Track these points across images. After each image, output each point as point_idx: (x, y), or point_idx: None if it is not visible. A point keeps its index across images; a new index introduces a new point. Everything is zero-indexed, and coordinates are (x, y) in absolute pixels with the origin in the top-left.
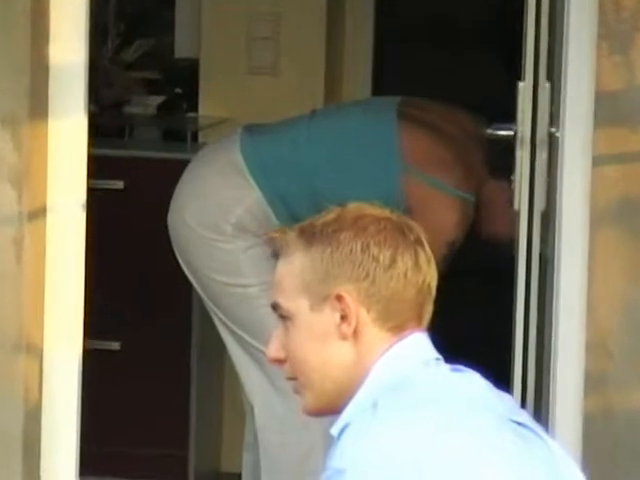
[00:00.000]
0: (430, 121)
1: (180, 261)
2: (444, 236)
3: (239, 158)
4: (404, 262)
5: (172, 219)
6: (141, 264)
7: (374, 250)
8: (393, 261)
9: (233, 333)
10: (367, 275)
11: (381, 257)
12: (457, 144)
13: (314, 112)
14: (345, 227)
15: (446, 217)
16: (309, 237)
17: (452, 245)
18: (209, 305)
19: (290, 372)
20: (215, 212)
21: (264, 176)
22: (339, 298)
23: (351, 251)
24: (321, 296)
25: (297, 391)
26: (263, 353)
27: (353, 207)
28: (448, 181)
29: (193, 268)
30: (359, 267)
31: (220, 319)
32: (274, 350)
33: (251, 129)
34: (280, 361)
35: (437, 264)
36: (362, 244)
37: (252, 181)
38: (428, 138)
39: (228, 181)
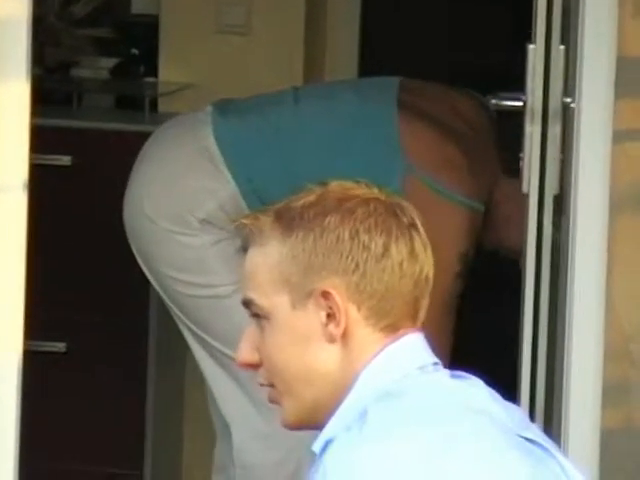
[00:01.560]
0: (435, 114)
1: (137, 258)
2: (453, 248)
3: (211, 144)
4: (399, 250)
5: (128, 208)
6: (90, 253)
7: (364, 237)
8: (386, 250)
9: (201, 340)
10: (357, 267)
11: (372, 245)
12: (465, 141)
13: (297, 90)
14: (329, 210)
15: (453, 227)
16: (287, 222)
17: (465, 257)
18: (172, 308)
19: (265, 378)
20: (180, 203)
21: (241, 167)
22: (325, 294)
23: (338, 238)
24: (304, 292)
25: (274, 400)
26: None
27: (336, 186)
28: (456, 187)
29: (152, 266)
30: (347, 257)
31: (185, 324)
32: (246, 353)
33: (224, 108)
34: (253, 365)
35: (452, 279)
36: (350, 230)
37: (227, 172)
38: (433, 135)
39: (198, 169)
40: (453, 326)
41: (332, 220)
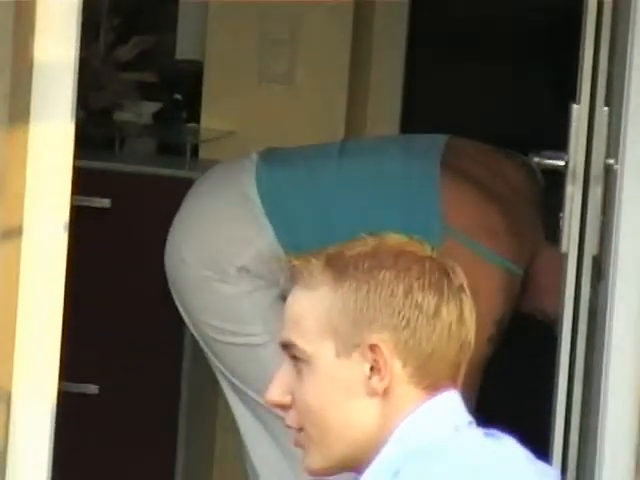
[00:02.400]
0: (478, 176)
1: (177, 303)
2: (490, 314)
3: (254, 192)
4: (449, 312)
5: (169, 255)
6: (126, 295)
7: (417, 295)
8: (438, 310)
9: (236, 388)
10: (408, 324)
11: (425, 304)
12: (508, 206)
13: (344, 144)
14: (385, 264)
15: (492, 292)
16: (340, 270)
17: (500, 322)
18: (207, 354)
19: (295, 421)
20: (219, 250)
21: (280, 217)
22: (373, 348)
23: (392, 294)
24: (351, 342)
25: (301, 444)
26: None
27: (391, 240)
28: (495, 250)
29: (190, 312)
30: (399, 314)
31: (220, 371)
32: (276, 393)
33: (269, 157)
34: (282, 406)
35: (485, 343)
36: (404, 287)
37: (266, 221)
38: (476, 199)
39: (238, 217)
40: (478, 387)
41: (387, 275)
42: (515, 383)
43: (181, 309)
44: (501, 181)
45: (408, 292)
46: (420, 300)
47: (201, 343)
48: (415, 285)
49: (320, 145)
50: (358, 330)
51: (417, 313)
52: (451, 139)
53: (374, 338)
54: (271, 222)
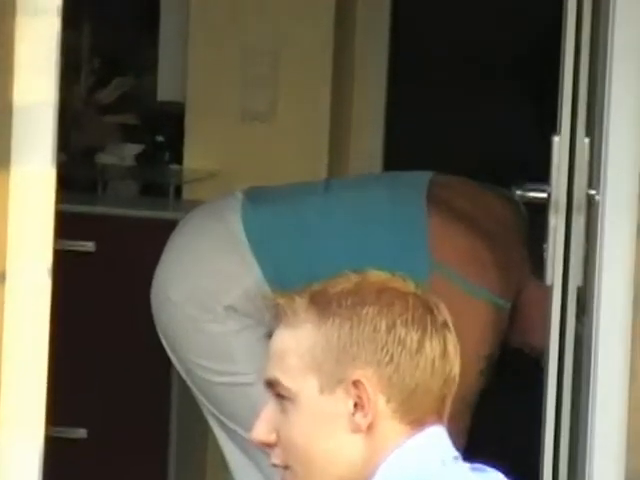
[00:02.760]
0: (464, 211)
1: (164, 343)
2: (478, 347)
3: (239, 231)
4: (432, 348)
5: (154, 294)
6: (112, 339)
7: (401, 331)
8: (421, 346)
9: (224, 426)
10: (391, 360)
11: (408, 340)
12: (495, 241)
13: (329, 182)
14: (367, 300)
15: (480, 327)
16: (323, 307)
17: (489, 357)
18: (195, 394)
19: (280, 459)
20: (205, 289)
21: (267, 254)
22: (356, 384)
23: (374, 329)
24: (334, 378)
25: None
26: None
27: (374, 276)
28: (484, 285)
29: (177, 352)
30: (382, 349)
31: (208, 410)
32: (262, 431)
33: (254, 195)
34: (268, 445)
35: (475, 378)
36: (387, 322)
37: (253, 258)
38: (462, 233)
39: (224, 256)
40: (470, 422)
41: (370, 311)
42: (502, 418)
43: (168, 349)
44: (487, 215)
45: (391, 328)
46: (403, 336)
47: (188, 382)
48: (398, 321)
49: (305, 183)
50: (341, 366)
51: (400, 349)
52: (436, 175)
53: (357, 374)
54: (258, 260)
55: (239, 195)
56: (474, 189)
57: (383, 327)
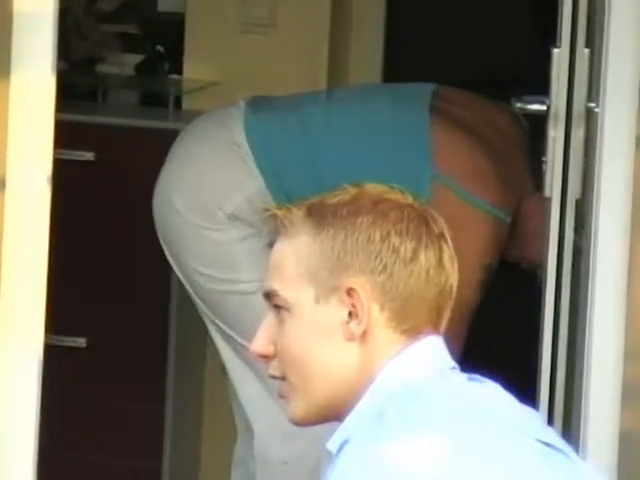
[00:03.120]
0: (467, 123)
1: (165, 251)
2: (477, 258)
3: (242, 139)
4: (427, 258)
5: (157, 202)
6: (112, 248)
7: (395, 240)
8: (415, 255)
9: (226, 335)
10: (385, 268)
11: (402, 249)
12: (496, 152)
13: (332, 92)
14: (363, 211)
15: (480, 237)
16: (319, 218)
17: (488, 268)
18: (197, 303)
19: (278, 370)
20: (209, 197)
21: (269, 163)
22: (350, 292)
23: (369, 239)
24: (329, 287)
25: (284, 394)
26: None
27: (372, 188)
28: (484, 196)
29: (180, 259)
30: (376, 258)
31: (210, 319)
32: (261, 344)
33: (256, 104)
34: (266, 357)
35: (474, 290)
36: (381, 232)
37: (254, 166)
38: (464, 143)
39: (227, 163)
40: (466, 333)
41: (364, 220)
42: (500, 331)
43: (170, 257)
44: (490, 128)
45: (385, 237)
46: (397, 245)
47: (190, 291)
48: (392, 231)
49: (308, 93)
50: (336, 275)
51: (394, 257)
52: (440, 87)
53: (351, 282)
54: (260, 168)
55: (242, 104)
56: (476, 101)
57: (377, 237)
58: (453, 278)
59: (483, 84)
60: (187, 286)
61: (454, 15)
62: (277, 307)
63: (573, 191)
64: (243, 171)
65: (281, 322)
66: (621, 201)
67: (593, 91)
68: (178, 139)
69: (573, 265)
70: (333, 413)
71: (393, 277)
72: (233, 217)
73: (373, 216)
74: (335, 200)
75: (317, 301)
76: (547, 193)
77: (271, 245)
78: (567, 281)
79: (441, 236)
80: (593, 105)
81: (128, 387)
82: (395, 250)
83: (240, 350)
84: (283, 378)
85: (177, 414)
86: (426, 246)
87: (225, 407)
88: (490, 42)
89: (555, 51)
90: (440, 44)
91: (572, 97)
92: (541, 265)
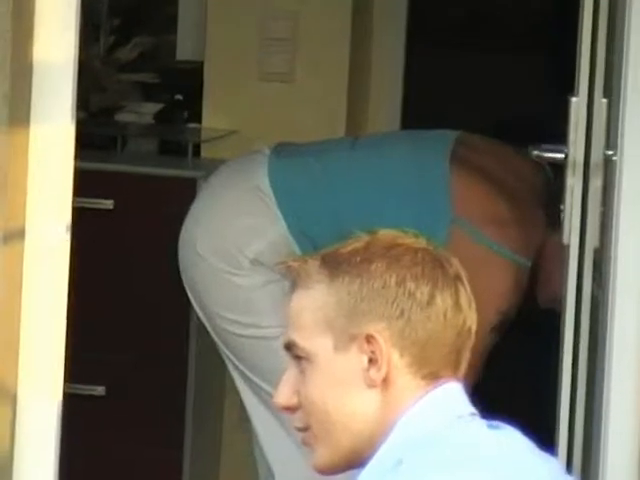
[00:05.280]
0: (488, 169)
1: (190, 297)
2: (493, 304)
3: (265, 183)
4: (444, 300)
5: (182, 247)
6: (131, 296)
7: (410, 285)
8: (432, 298)
9: (248, 380)
10: (402, 313)
11: (418, 293)
12: (517, 199)
13: (356, 139)
14: (376, 257)
15: (497, 282)
16: (334, 267)
17: (504, 315)
18: (221, 348)
19: (302, 421)
20: (232, 242)
21: (291, 207)
22: (369, 338)
23: (384, 285)
24: (347, 335)
25: (308, 443)
26: None
27: (385, 234)
28: (501, 241)
29: (203, 304)
30: (393, 303)
31: (234, 364)
32: (284, 395)
33: (280, 150)
34: (290, 408)
35: (484, 335)
36: (397, 277)
37: (278, 212)
38: (484, 189)
39: (250, 208)
40: (478, 377)
41: (379, 266)
42: (520, 376)
43: (194, 301)
44: (511, 174)
45: (401, 282)
46: (413, 289)
47: (213, 335)
48: (408, 275)
49: (332, 139)
50: (354, 323)
51: (411, 302)
52: (462, 134)
53: (369, 329)
54: (283, 213)
55: (266, 151)
56: (499, 148)
57: (392, 282)
58: (471, 319)
59: (500, 131)
60: (210, 330)
61: (472, 64)
62: (298, 358)
63: (591, 240)
64: (266, 216)
65: (302, 373)
66: (639, 250)
67: (611, 140)
68: (205, 185)
69: (591, 314)
70: (357, 460)
71: (411, 322)
72: (256, 262)
73: (387, 261)
74: (349, 248)
75: (336, 350)
76: (565, 241)
77: (291, 291)
78: (585, 331)
79: (457, 277)
80: (611, 154)
81: (146, 435)
82: (411, 295)
83: (262, 395)
84: (306, 429)
85: (195, 462)
86: (442, 288)
87: (243, 455)
88: (507, 89)
89: (573, 100)
90: (459, 93)
91: (590, 146)
92: None
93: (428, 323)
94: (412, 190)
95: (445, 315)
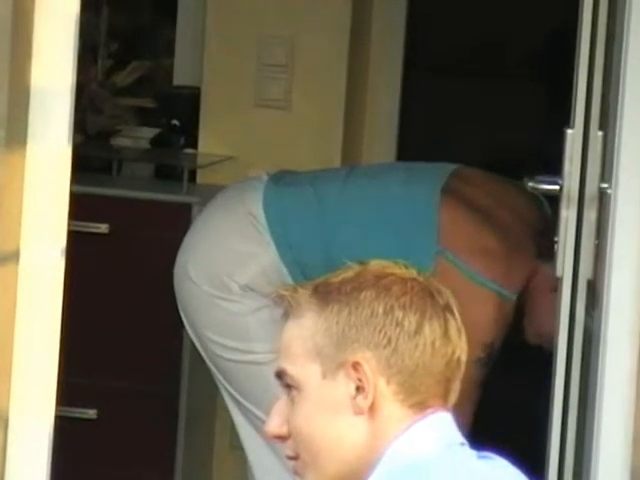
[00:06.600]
0: (478, 202)
1: (184, 320)
2: (478, 336)
3: (259, 210)
4: (432, 330)
5: (176, 273)
6: (124, 320)
7: (398, 314)
8: (420, 327)
9: (241, 406)
10: (389, 342)
11: (406, 322)
12: (507, 232)
13: (352, 168)
14: (366, 286)
15: (481, 314)
16: (324, 296)
17: (490, 348)
18: (214, 372)
19: (293, 450)
20: (223, 267)
21: (284, 235)
22: (356, 366)
23: (372, 313)
24: (335, 363)
25: (298, 471)
26: None
27: (375, 265)
28: (487, 274)
29: (196, 329)
30: (380, 332)
31: (226, 389)
32: (275, 425)
33: (278, 178)
34: (281, 437)
35: (473, 370)
36: (385, 306)
37: (270, 239)
38: (472, 222)
39: (242, 234)
40: (472, 413)
41: (368, 295)
42: (512, 408)
43: (188, 327)
44: (504, 208)
45: (389, 311)
46: (401, 318)
47: (205, 359)
48: (396, 304)
49: (330, 169)
50: (341, 351)
51: (398, 331)
52: (459, 167)
53: (357, 357)
54: (274, 239)
55: (264, 177)
56: (497, 183)
57: (380, 310)
58: (460, 349)
59: (495, 163)
60: (203, 354)
61: (470, 92)
62: (288, 387)
63: (584, 272)
64: (258, 242)
65: (292, 401)
66: (632, 284)
67: (606, 172)
68: (202, 211)
69: (584, 346)
70: None
71: (398, 350)
72: (247, 288)
73: (376, 291)
74: (339, 278)
75: (324, 377)
76: (558, 273)
77: (285, 318)
78: (577, 363)
79: (447, 308)
80: (606, 186)
81: (138, 458)
82: (399, 323)
83: (254, 420)
84: (296, 457)
85: None
86: (430, 318)
87: (234, 479)
88: (503, 120)
89: (569, 132)
90: (455, 120)
91: (585, 178)
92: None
93: (415, 352)
94: (401, 221)
95: (433, 345)
